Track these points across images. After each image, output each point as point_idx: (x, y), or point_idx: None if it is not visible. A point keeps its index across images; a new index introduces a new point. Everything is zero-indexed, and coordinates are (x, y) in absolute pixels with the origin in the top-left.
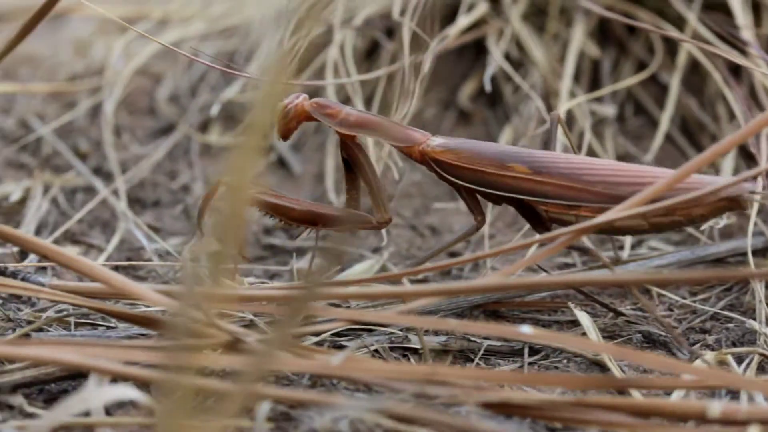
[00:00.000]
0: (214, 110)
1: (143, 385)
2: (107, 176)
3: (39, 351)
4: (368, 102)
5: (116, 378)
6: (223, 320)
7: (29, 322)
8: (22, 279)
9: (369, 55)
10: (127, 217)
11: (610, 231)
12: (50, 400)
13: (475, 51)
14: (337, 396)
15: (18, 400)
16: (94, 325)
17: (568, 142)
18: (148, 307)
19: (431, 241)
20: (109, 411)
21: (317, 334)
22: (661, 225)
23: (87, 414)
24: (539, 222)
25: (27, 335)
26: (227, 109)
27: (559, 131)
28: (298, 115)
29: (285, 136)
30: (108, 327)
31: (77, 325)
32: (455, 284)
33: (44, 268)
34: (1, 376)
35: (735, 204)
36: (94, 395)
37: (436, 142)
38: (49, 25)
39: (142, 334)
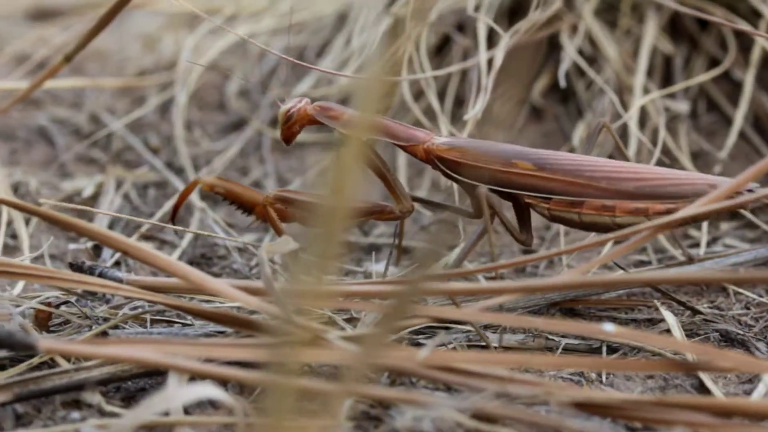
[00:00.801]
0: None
1: (222, 383)
2: (179, 171)
3: (118, 349)
4: (441, 97)
5: (195, 376)
6: (311, 318)
7: (105, 320)
8: (100, 275)
9: (440, 51)
10: (204, 213)
11: (613, 228)
12: (127, 399)
13: (546, 47)
14: (419, 394)
15: (96, 398)
16: (170, 322)
17: (619, 147)
18: (223, 303)
19: (505, 237)
20: (187, 410)
21: (397, 331)
22: None
23: (167, 413)
24: (526, 227)
25: (104, 333)
26: None
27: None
28: (301, 119)
29: (288, 140)
30: (184, 324)
31: (153, 322)
32: (538, 281)
33: (118, 264)
34: (78, 373)
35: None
36: (176, 394)
37: (440, 140)
38: (115, 20)
39: (220, 332)
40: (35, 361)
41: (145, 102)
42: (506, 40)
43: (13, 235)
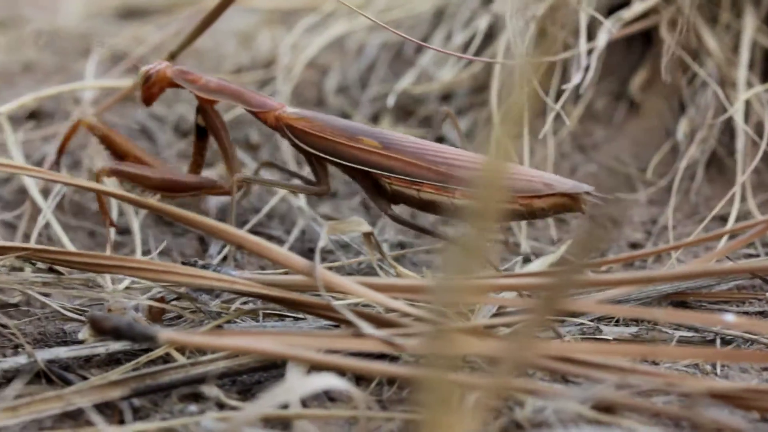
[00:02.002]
0: (390, 101)
1: (342, 374)
2: (281, 169)
3: (238, 340)
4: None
5: (315, 368)
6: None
7: (218, 314)
8: (215, 271)
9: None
10: (305, 210)
11: (450, 209)
12: (244, 392)
13: (642, 42)
14: (539, 385)
15: (214, 391)
16: (281, 316)
17: (459, 135)
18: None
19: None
20: (305, 403)
21: (509, 325)
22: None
23: (285, 406)
24: (382, 195)
25: (218, 327)
26: (398, 99)
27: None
28: (160, 81)
29: (148, 102)
30: (296, 318)
31: (265, 316)
32: (661, 272)
33: (223, 260)
34: (195, 367)
35: (573, 203)
36: (297, 385)
37: (291, 110)
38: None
39: (334, 326)
40: (153, 355)
41: None
42: (608, 28)
43: (121, 231)
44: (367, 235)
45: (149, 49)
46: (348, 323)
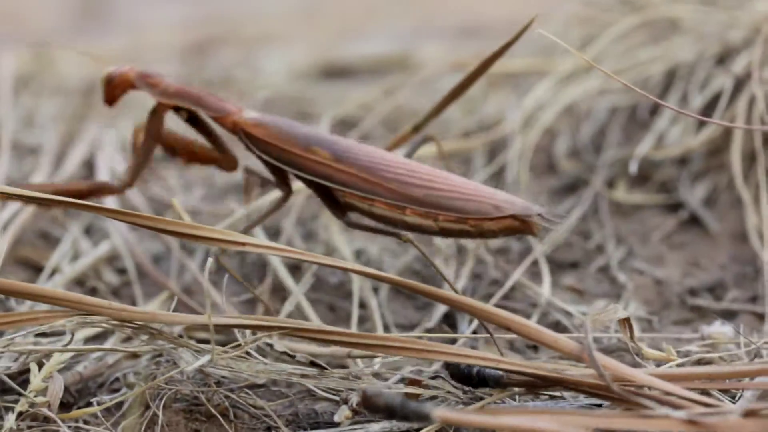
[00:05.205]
0: (633, 167)
1: None
2: (519, 237)
3: (514, 419)
4: None
5: None
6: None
7: (472, 393)
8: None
9: None
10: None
11: (403, 226)
12: None
13: None
14: None
15: None
16: (536, 395)
17: (444, 159)
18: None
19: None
20: None
21: None
22: (449, 230)
23: None
24: (336, 207)
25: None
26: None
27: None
28: (122, 83)
29: (110, 103)
30: (552, 397)
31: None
32: None
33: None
34: None
35: (523, 226)
36: None
37: (249, 115)
38: (427, 81)
39: (595, 405)
40: None
41: (470, 163)
42: None
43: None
44: (623, 321)
45: (378, 117)
46: (617, 401)
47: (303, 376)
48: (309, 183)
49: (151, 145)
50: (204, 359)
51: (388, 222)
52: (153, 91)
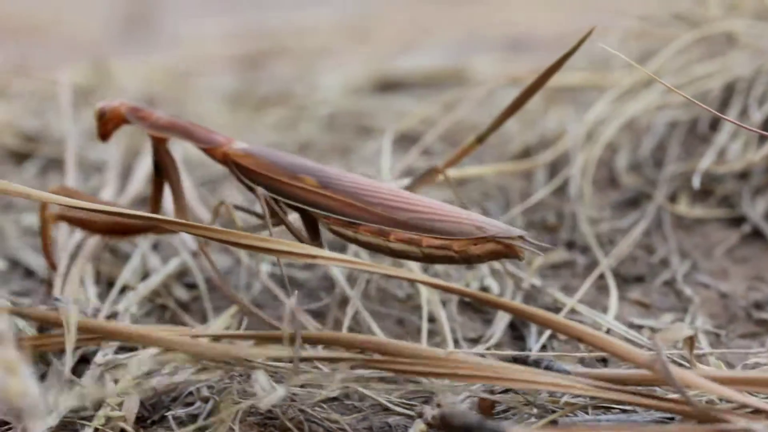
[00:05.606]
0: (695, 182)
1: None
2: (583, 250)
3: None
4: None
5: None
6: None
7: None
8: (546, 368)
9: None
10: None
11: (387, 252)
12: None
13: None
14: None
15: None
16: (607, 408)
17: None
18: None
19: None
20: None
21: None
22: (433, 256)
23: None
24: (315, 236)
25: (553, 422)
26: (690, 177)
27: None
28: (114, 118)
29: (104, 138)
30: (623, 410)
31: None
32: None
33: (543, 347)
34: None
35: (507, 249)
36: None
37: (238, 146)
38: (483, 95)
39: (668, 419)
40: None
41: (531, 179)
42: None
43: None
44: (688, 339)
45: (438, 131)
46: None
47: (380, 380)
48: (298, 210)
49: (173, 175)
50: (280, 392)
51: (373, 249)
52: (143, 124)
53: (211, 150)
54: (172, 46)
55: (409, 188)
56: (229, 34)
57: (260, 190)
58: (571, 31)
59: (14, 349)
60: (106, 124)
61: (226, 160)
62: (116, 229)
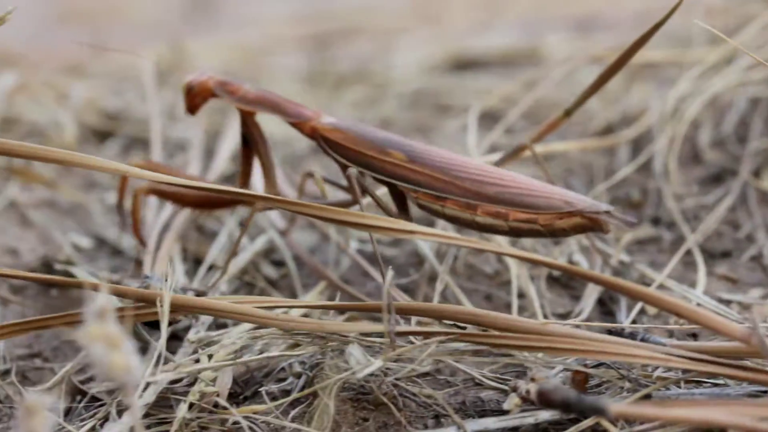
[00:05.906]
0: None
1: None
2: (669, 226)
3: (690, 412)
4: None
5: None
6: None
7: (637, 381)
8: (642, 340)
9: None
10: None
11: (473, 226)
12: None
13: None
14: None
15: None
16: (698, 383)
17: (541, 166)
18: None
19: None
20: None
21: None
22: (520, 230)
23: None
24: (404, 209)
25: (647, 396)
26: None
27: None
28: (202, 92)
29: (192, 111)
30: (715, 384)
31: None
32: None
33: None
34: None
35: (593, 224)
36: None
37: (326, 120)
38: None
39: (762, 392)
40: (582, 425)
41: (615, 155)
42: None
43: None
44: None
45: (520, 110)
46: None
47: (474, 353)
48: (386, 184)
49: (262, 148)
50: (377, 364)
51: (460, 223)
52: (232, 98)
53: (299, 124)
54: (238, 28)
55: (498, 164)
56: (293, 15)
57: (351, 170)
58: (642, 10)
59: (116, 325)
60: (194, 98)
61: (315, 134)
62: (206, 202)
